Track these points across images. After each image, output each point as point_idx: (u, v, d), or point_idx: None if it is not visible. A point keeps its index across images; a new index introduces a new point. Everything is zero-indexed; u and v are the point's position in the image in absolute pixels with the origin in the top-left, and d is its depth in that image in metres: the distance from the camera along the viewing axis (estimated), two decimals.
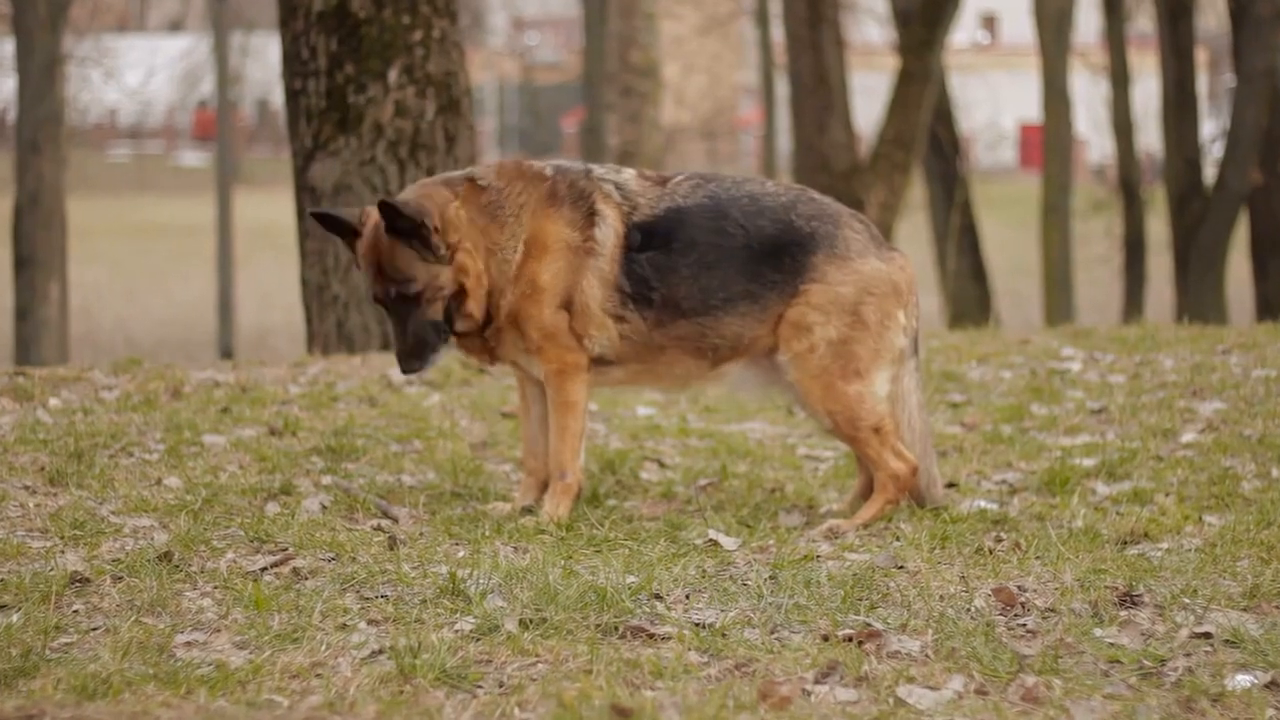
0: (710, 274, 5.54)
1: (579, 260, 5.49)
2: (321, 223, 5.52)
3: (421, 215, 5.32)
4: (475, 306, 5.44)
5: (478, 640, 4.13)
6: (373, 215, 5.38)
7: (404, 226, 5.30)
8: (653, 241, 5.52)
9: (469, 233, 5.43)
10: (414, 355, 5.39)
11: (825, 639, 4.17)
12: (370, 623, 4.29)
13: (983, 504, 5.76)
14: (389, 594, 4.53)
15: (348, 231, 5.44)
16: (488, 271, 5.45)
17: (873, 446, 5.62)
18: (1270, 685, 3.90)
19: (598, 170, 5.62)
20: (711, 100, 49.17)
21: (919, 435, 5.74)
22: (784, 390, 5.74)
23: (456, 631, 4.19)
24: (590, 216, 5.50)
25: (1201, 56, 26.40)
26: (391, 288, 5.35)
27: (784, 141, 30.20)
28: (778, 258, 5.55)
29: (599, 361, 5.60)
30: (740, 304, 5.56)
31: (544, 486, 5.72)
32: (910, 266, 5.71)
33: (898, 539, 5.26)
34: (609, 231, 5.50)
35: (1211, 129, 24.71)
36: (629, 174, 5.65)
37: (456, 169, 9.17)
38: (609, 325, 5.53)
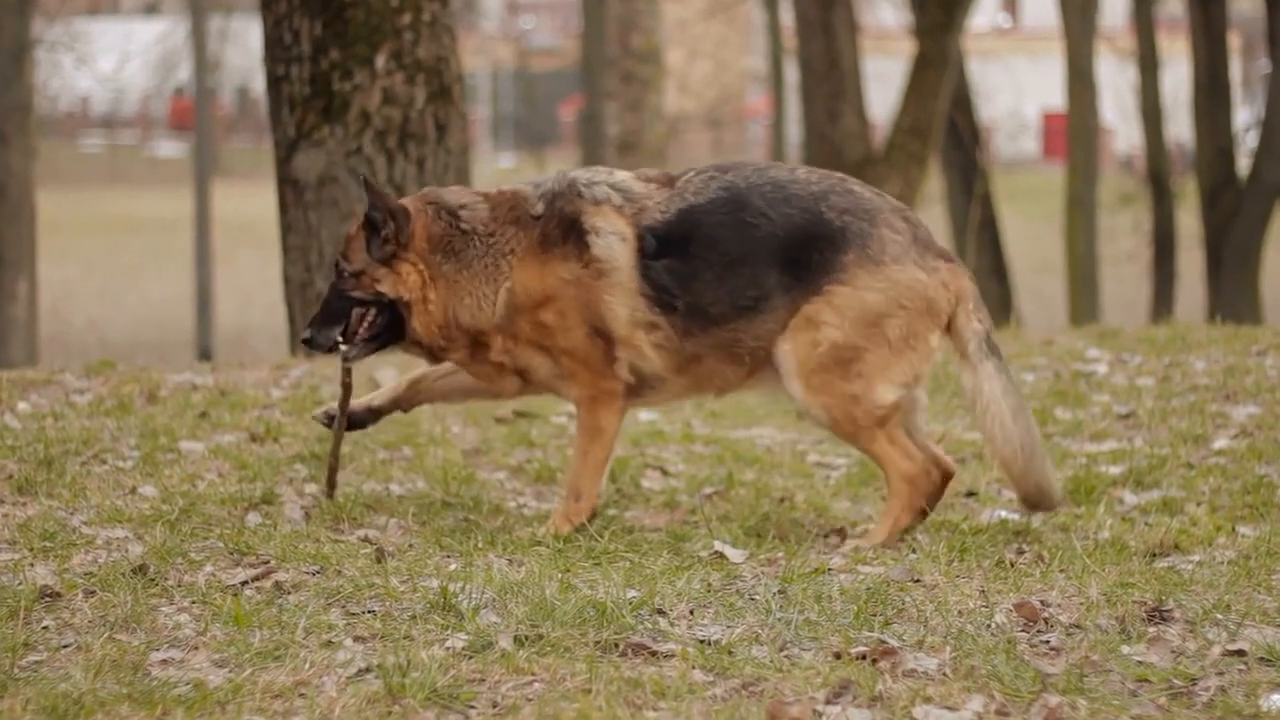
0: (736, 273, 5.40)
1: (589, 289, 5.43)
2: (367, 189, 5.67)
3: (386, 215, 5.49)
4: (424, 326, 5.50)
5: (470, 658, 4.14)
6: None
7: (375, 217, 5.50)
8: (669, 247, 5.41)
9: (425, 255, 5.51)
10: (312, 326, 5.58)
11: (837, 657, 4.17)
12: (357, 639, 4.29)
13: (1004, 514, 5.76)
14: (376, 609, 4.53)
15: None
16: (445, 301, 5.49)
17: (878, 443, 5.44)
18: None
19: (582, 178, 5.52)
20: (717, 87, 49.16)
21: (1019, 443, 5.41)
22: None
23: (448, 649, 4.19)
24: (581, 239, 5.43)
25: (1234, 40, 26.41)
26: (336, 261, 5.62)
27: (793, 131, 30.18)
28: (805, 251, 5.36)
29: (639, 386, 5.54)
30: (773, 298, 5.40)
31: (396, 397, 5.84)
32: (961, 278, 5.48)
33: (914, 551, 5.26)
34: (612, 241, 5.42)
35: (1245, 117, 24.74)
36: (624, 175, 5.55)
37: (449, 160, 9.23)
38: (640, 339, 5.45)
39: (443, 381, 5.82)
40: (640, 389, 5.56)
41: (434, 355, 5.62)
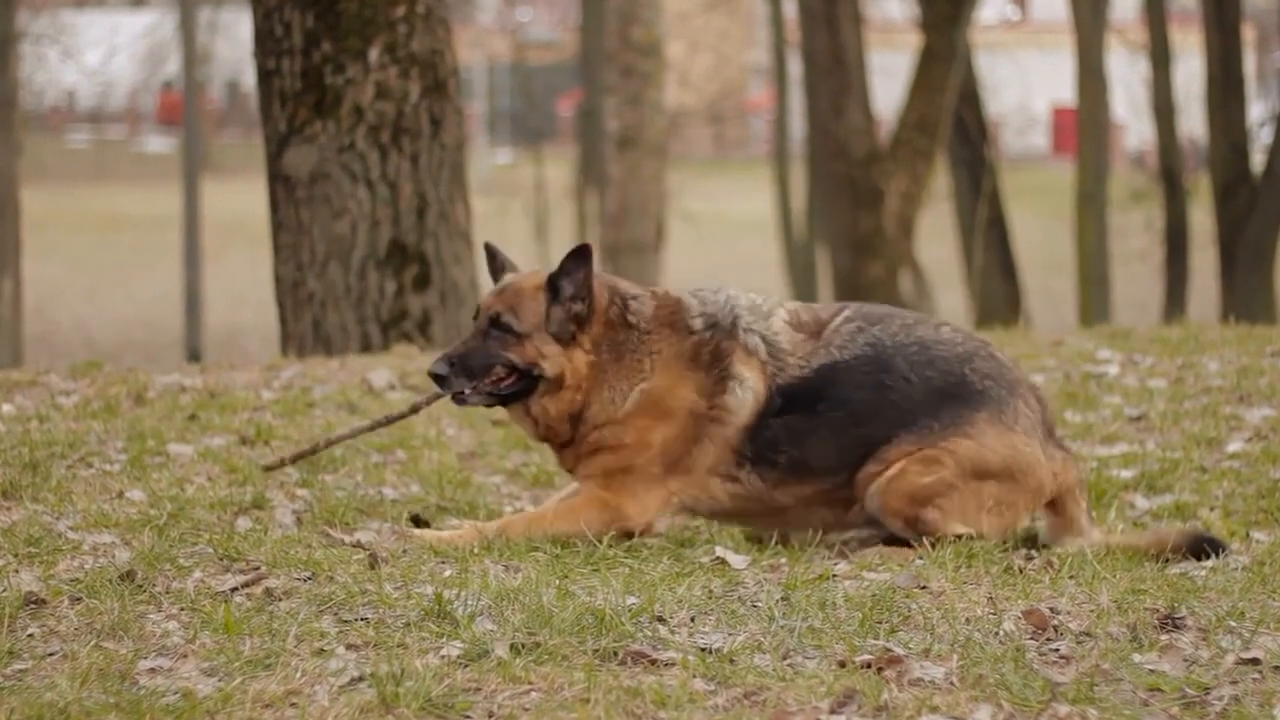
0: (857, 430, 5.39)
1: (700, 428, 5.41)
2: (488, 255, 5.65)
3: (585, 293, 5.38)
4: (551, 403, 5.40)
5: (466, 667, 4.13)
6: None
7: (565, 287, 5.37)
8: (796, 404, 5.39)
9: (598, 351, 5.41)
10: (450, 365, 5.38)
11: (842, 665, 4.17)
12: (349, 647, 4.29)
13: None
14: (369, 616, 4.53)
15: (501, 271, 5.61)
16: (590, 398, 5.42)
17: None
18: None
19: (745, 319, 5.46)
20: (719, 81, 49.16)
21: None
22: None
23: (443, 657, 4.19)
24: (722, 381, 5.40)
25: (1249, 33, 26.41)
26: (498, 310, 5.41)
27: (797, 126, 30.18)
28: (938, 407, 5.38)
29: (694, 511, 5.53)
30: (890, 451, 5.39)
31: None
32: (1070, 471, 5.51)
33: (920, 557, 5.26)
34: (746, 397, 5.40)
35: (1260, 112, 24.73)
36: (780, 321, 5.49)
37: (443, 156, 9.23)
38: (713, 485, 5.45)
39: None
40: (694, 513, 5.59)
41: (538, 430, 5.49)
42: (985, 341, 5.60)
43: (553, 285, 5.41)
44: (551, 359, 5.39)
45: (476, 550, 5.22)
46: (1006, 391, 5.43)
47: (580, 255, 5.38)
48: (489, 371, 5.40)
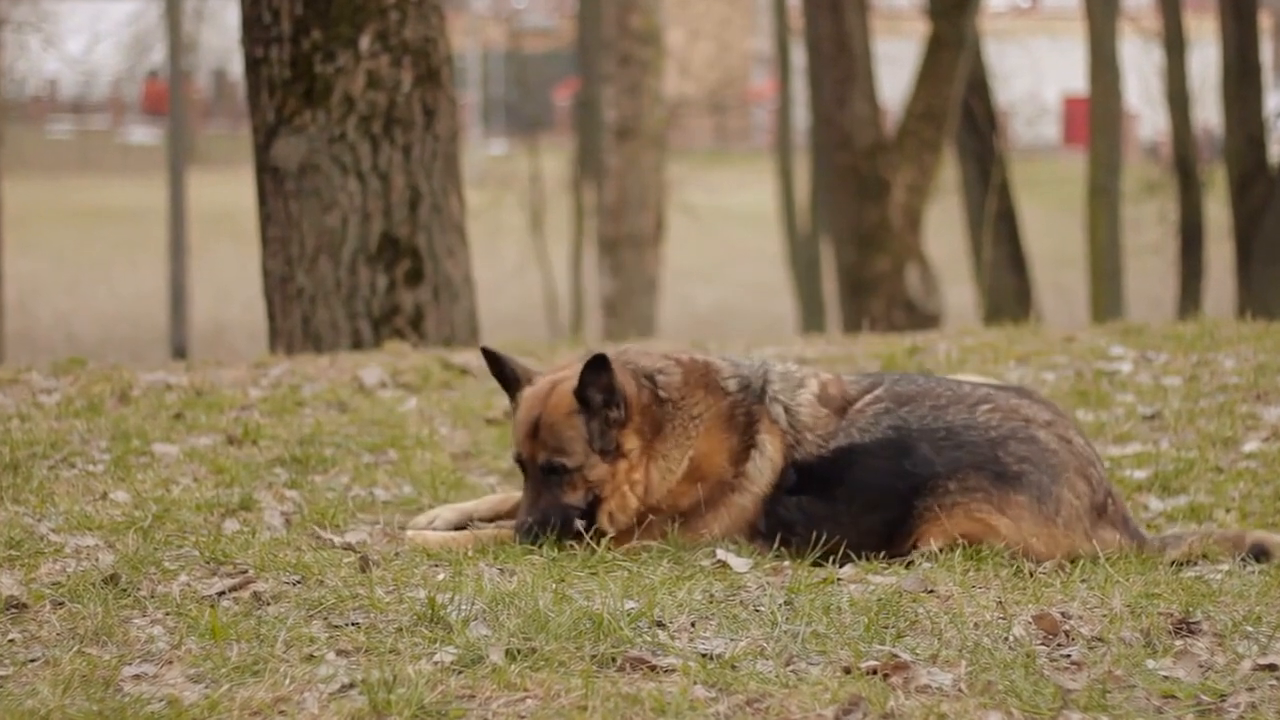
0: (872, 515, 5.33)
1: (722, 495, 5.38)
2: (490, 361, 5.52)
3: (621, 394, 5.31)
4: (619, 511, 5.35)
5: (459, 673, 4.14)
6: (554, 381, 5.38)
7: (594, 396, 5.30)
8: (811, 484, 5.36)
9: (638, 439, 5.35)
10: (534, 532, 5.30)
11: (847, 671, 4.17)
12: (340, 653, 4.29)
13: None
14: (360, 621, 4.53)
15: (512, 380, 5.47)
16: (646, 478, 5.36)
17: None
18: None
19: (776, 385, 5.43)
20: (720, 70, 49.13)
21: None
22: None
23: (436, 663, 4.19)
24: (748, 449, 5.37)
25: (1266, 21, 26.43)
26: (543, 454, 5.33)
27: (800, 116, 30.21)
28: (964, 477, 5.27)
29: None
30: (910, 524, 5.32)
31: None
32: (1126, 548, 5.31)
33: (928, 560, 5.26)
34: (765, 466, 5.37)
35: (1277, 102, 24.70)
36: (808, 396, 5.44)
37: (437, 147, 9.23)
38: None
39: None
40: None
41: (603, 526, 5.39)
42: (1027, 421, 5.36)
43: (583, 400, 5.31)
44: (605, 479, 5.32)
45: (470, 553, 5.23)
46: (1049, 478, 5.27)
47: (599, 366, 5.26)
48: (568, 520, 5.31)
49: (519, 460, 5.41)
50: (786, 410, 5.39)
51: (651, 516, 5.38)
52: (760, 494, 5.36)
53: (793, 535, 5.33)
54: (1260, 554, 5.26)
